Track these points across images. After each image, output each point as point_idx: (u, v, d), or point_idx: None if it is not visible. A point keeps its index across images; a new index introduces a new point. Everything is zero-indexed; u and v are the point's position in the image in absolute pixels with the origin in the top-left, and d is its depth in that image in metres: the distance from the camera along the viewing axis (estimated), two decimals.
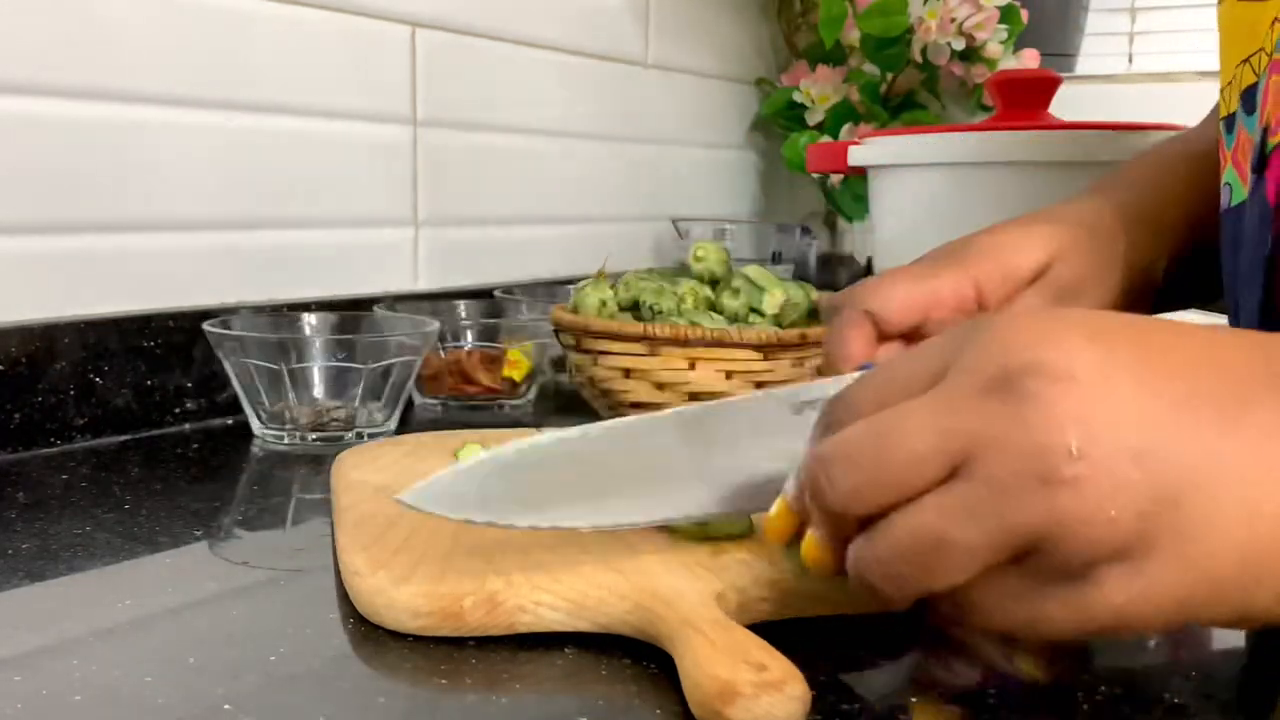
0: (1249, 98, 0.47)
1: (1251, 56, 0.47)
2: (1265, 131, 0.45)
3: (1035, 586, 0.32)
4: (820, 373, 0.67)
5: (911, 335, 0.51)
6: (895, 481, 0.32)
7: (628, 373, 0.70)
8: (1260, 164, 0.46)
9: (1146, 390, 0.31)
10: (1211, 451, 0.31)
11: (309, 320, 0.77)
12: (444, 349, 0.82)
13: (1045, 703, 0.36)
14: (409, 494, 0.40)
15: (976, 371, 0.32)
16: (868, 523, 0.33)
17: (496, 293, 0.95)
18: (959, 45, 1.21)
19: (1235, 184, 0.49)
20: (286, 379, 0.69)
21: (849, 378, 0.39)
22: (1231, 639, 0.43)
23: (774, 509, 0.38)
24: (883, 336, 0.50)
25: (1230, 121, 0.49)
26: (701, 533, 0.45)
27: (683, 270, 0.78)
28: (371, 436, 0.70)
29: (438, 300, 0.91)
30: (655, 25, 1.22)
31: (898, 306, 0.50)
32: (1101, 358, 0.31)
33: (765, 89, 1.42)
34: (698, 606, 0.38)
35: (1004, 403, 0.31)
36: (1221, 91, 0.50)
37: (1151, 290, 0.57)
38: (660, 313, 0.72)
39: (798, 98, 1.32)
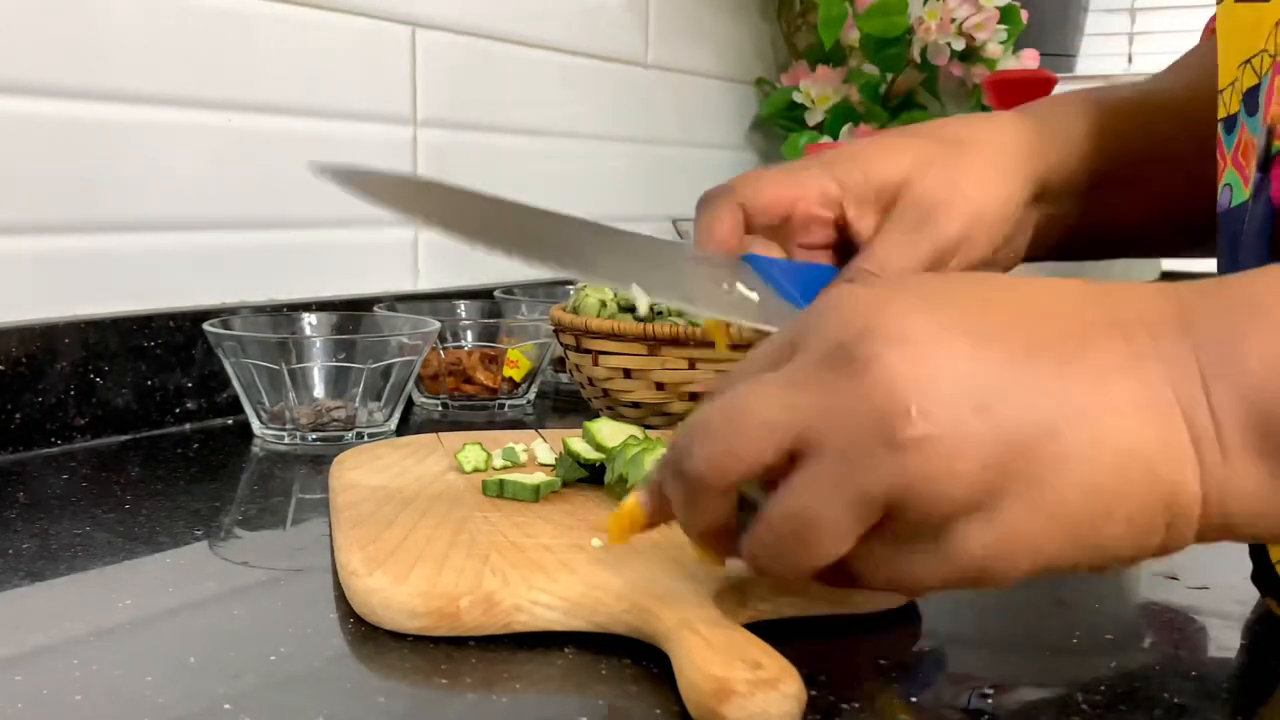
0: (1251, 99, 0.47)
1: (1253, 58, 0.47)
2: (1270, 133, 0.45)
3: (901, 547, 0.33)
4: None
5: (778, 229, 0.54)
6: (747, 451, 0.33)
7: (628, 373, 0.70)
8: (1266, 163, 0.46)
9: (982, 345, 0.32)
10: (1053, 395, 0.31)
11: (309, 320, 0.77)
12: (444, 349, 0.82)
13: (1045, 703, 0.36)
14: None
15: (816, 347, 0.33)
16: (742, 507, 0.35)
17: (496, 293, 0.95)
18: (959, 45, 1.21)
19: (1236, 185, 0.49)
20: (286, 379, 0.69)
21: None
22: (1230, 638, 0.43)
23: (621, 506, 0.39)
24: (750, 228, 0.53)
25: (1230, 123, 0.49)
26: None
27: None
28: (371, 436, 0.70)
29: (438, 300, 0.91)
30: (655, 25, 1.22)
31: (766, 198, 0.53)
32: (934, 318, 0.32)
33: (765, 89, 1.42)
34: (694, 606, 0.38)
35: (843, 373, 0.32)
36: (1221, 93, 0.50)
37: (1021, 219, 0.56)
38: (660, 313, 0.72)
39: (798, 98, 1.32)
